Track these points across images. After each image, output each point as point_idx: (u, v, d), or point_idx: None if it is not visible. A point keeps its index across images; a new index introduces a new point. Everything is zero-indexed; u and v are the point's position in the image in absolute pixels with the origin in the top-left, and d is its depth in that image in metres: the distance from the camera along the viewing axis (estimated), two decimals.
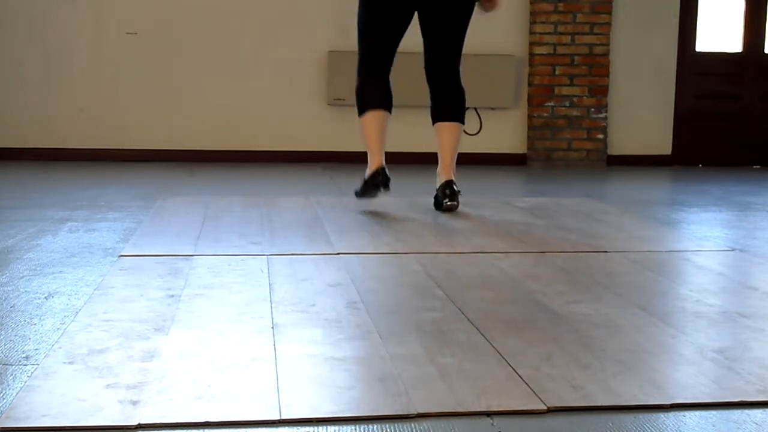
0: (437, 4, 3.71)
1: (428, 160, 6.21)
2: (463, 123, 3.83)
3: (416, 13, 3.77)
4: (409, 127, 6.07)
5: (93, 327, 2.00)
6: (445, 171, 3.78)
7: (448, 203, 3.73)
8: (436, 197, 3.83)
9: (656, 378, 1.72)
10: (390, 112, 3.78)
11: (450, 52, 3.79)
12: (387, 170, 3.73)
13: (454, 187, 3.75)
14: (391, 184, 3.76)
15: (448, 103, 3.81)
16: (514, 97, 6.28)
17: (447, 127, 3.79)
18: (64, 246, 2.97)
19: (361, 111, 3.76)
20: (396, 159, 6.13)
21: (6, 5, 5.91)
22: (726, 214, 4.15)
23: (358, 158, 6.22)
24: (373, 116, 3.73)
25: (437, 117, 3.83)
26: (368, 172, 3.76)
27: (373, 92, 3.76)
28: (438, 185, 3.80)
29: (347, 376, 1.70)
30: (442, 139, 3.80)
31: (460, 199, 3.81)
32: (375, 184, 3.71)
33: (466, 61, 6.07)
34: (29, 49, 5.96)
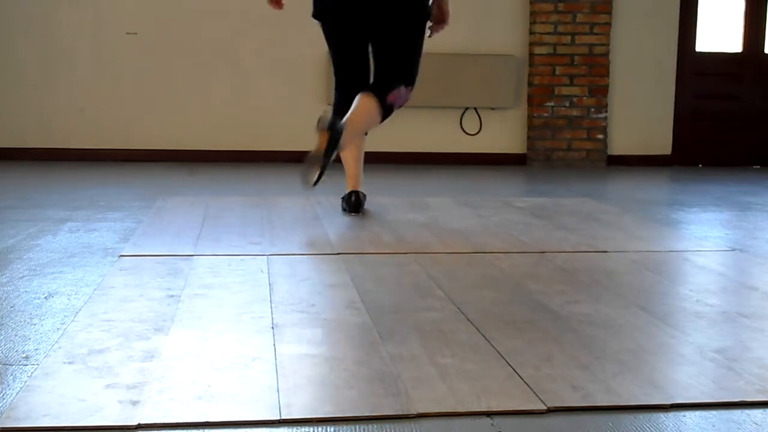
0: (384, 24, 3.60)
1: (428, 160, 6.22)
2: (380, 102, 3.52)
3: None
4: (409, 127, 6.07)
5: (93, 327, 2.00)
6: (346, 119, 3.46)
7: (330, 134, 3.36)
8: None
9: (656, 378, 1.72)
10: (365, 133, 3.71)
11: (398, 69, 3.61)
12: (360, 194, 3.72)
13: (339, 140, 3.35)
14: (368, 201, 3.78)
15: (371, 86, 3.60)
16: (514, 97, 6.28)
17: (359, 97, 3.53)
18: (64, 246, 2.97)
19: None
20: (396, 159, 6.15)
21: (6, 5, 5.91)
22: (726, 214, 4.15)
23: None
24: None
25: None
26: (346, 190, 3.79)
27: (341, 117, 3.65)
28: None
29: (347, 376, 1.70)
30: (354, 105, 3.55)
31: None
32: (347, 205, 3.73)
33: (467, 61, 6.11)
34: (29, 49, 5.96)
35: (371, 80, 3.71)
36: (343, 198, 3.80)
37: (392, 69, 3.65)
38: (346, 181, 3.80)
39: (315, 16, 3.72)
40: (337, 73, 3.79)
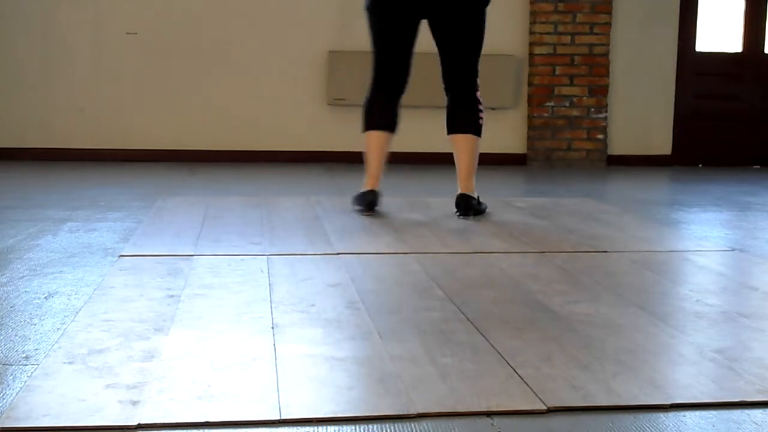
0: (444, 14, 3.65)
1: (428, 160, 6.22)
2: (477, 135, 3.77)
3: (428, 26, 3.73)
4: (410, 127, 6.06)
5: (93, 327, 2.00)
6: (461, 184, 3.75)
7: (460, 216, 3.69)
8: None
9: (656, 378, 1.72)
10: (393, 132, 3.76)
11: (465, 63, 3.74)
12: (378, 193, 3.71)
13: (471, 201, 3.69)
14: (384, 195, 3.79)
15: (462, 115, 3.77)
16: (514, 97, 6.28)
17: (462, 140, 3.76)
18: (64, 246, 2.97)
19: (365, 128, 3.77)
20: (396, 159, 6.14)
21: (6, 5, 5.91)
22: (726, 214, 4.15)
23: (358, 158, 6.22)
24: (374, 136, 3.73)
25: (451, 128, 3.79)
26: (363, 187, 3.75)
27: (377, 112, 3.74)
28: (456, 195, 3.76)
29: (347, 376, 1.70)
30: (457, 153, 3.77)
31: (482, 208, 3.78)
32: (362, 202, 3.72)
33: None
34: (29, 49, 5.96)
35: (449, 81, 3.77)
36: (356, 196, 3.77)
37: (468, 71, 3.76)
38: (366, 179, 3.75)
39: (368, 7, 3.70)
40: (376, 71, 3.76)
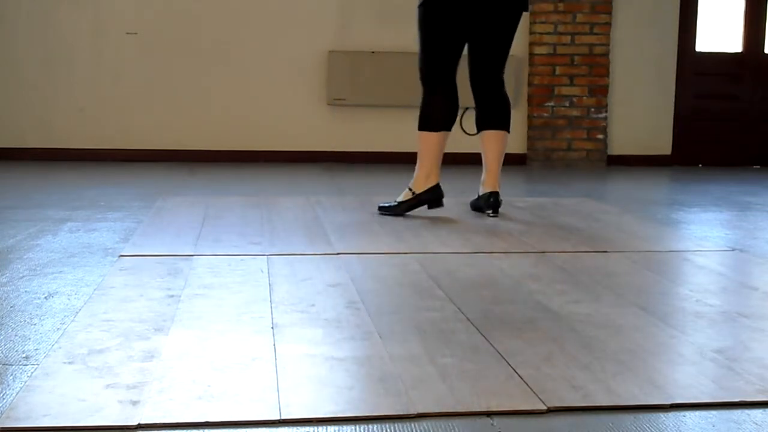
0: (487, 19, 3.65)
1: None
2: (509, 131, 3.79)
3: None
4: (409, 127, 6.06)
5: (93, 327, 2.00)
6: (490, 181, 3.75)
7: (491, 215, 3.70)
8: (476, 201, 3.83)
9: (656, 378, 1.72)
10: (450, 130, 3.71)
11: (496, 64, 3.75)
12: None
13: (499, 199, 3.72)
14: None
15: (494, 111, 3.76)
16: (514, 97, 6.27)
17: (493, 136, 3.75)
18: (64, 246, 2.97)
19: (422, 128, 3.70)
20: (396, 159, 6.14)
21: (6, 5, 5.92)
22: (726, 214, 4.15)
23: (358, 158, 6.23)
24: (434, 136, 3.67)
25: (483, 125, 3.78)
26: (421, 187, 3.67)
27: (437, 112, 3.68)
28: (481, 193, 3.77)
29: (347, 376, 1.70)
30: (488, 148, 3.77)
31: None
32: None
33: (463, 61, 6.10)
34: (29, 49, 5.96)
35: (478, 81, 3.76)
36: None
37: (497, 70, 3.75)
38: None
39: (424, 4, 3.64)
40: (430, 70, 3.69)
